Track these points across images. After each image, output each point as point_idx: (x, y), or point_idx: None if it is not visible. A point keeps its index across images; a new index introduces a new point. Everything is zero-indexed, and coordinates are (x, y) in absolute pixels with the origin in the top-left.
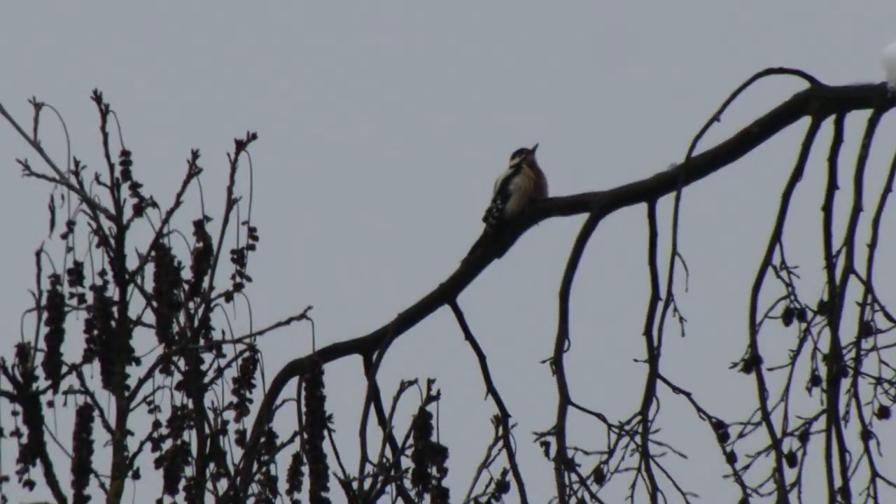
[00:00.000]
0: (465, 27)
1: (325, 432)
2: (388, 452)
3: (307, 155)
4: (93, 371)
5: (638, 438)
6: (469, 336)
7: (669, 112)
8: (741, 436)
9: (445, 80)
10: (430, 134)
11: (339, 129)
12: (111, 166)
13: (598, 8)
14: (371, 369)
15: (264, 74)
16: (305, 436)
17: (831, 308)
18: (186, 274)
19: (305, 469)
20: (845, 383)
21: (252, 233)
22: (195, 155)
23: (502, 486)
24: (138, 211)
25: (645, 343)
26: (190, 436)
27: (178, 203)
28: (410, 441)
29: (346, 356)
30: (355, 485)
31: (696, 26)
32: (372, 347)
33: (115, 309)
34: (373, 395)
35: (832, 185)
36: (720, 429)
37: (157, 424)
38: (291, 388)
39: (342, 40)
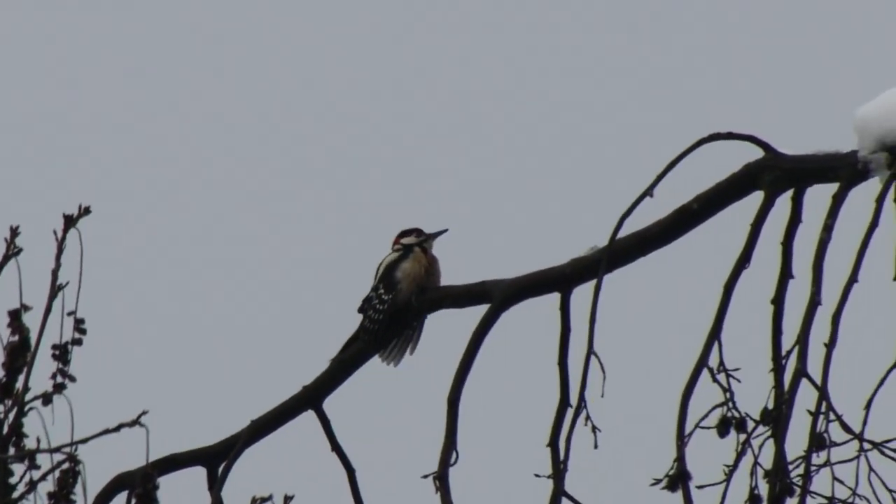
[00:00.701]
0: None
1: None
2: None
3: (147, 229)
4: None
5: None
6: (336, 446)
7: (592, 185)
8: None
9: (318, 134)
10: (298, 202)
11: (185, 195)
12: None
13: (519, 57)
14: (216, 484)
15: (96, 138)
16: None
17: (777, 417)
18: None
19: None
20: None
21: (79, 325)
22: (14, 232)
23: None
24: None
25: (550, 455)
26: None
27: None
28: None
29: (186, 468)
30: None
31: (629, 83)
32: (218, 459)
33: None
34: None
35: (786, 274)
36: None
37: None
38: None
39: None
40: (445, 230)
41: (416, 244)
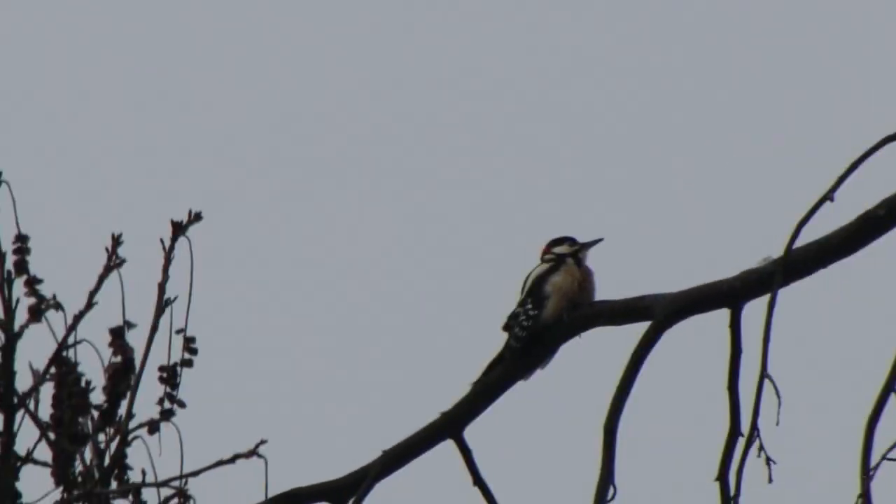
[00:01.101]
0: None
1: None
2: None
3: (262, 238)
4: None
5: None
6: (478, 480)
7: (765, 189)
8: None
9: (454, 138)
10: (429, 209)
11: (304, 206)
12: (1, 255)
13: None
14: None
15: (212, 139)
16: None
17: None
18: (97, 397)
19: None
20: None
21: (189, 344)
22: (116, 241)
23: None
24: (35, 314)
25: (719, 491)
26: None
27: (90, 304)
28: None
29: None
30: None
31: (805, 72)
32: (346, 493)
33: None
34: None
35: None
36: None
37: None
38: None
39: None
40: (601, 239)
41: (568, 255)
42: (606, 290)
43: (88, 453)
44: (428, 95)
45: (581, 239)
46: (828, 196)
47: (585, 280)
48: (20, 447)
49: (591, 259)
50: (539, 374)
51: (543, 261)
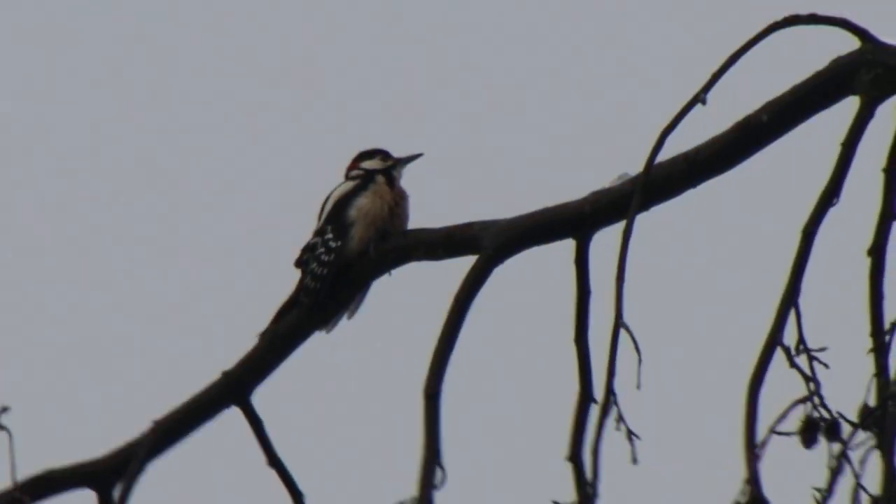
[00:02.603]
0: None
1: None
2: None
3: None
4: None
5: None
6: (274, 459)
7: (619, 91)
8: None
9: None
10: (213, 115)
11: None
12: None
13: None
14: None
15: None
16: None
17: (882, 417)
18: None
19: None
20: None
21: None
22: None
23: None
24: None
25: (571, 472)
26: None
27: None
28: None
29: (68, 491)
30: None
31: None
32: (111, 476)
33: None
34: None
35: (889, 214)
36: None
37: None
38: None
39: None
40: (420, 154)
41: (379, 171)
42: (425, 216)
43: None
44: None
45: (397, 154)
46: (699, 97)
47: (398, 203)
48: None
49: (407, 179)
50: (344, 324)
51: (348, 178)
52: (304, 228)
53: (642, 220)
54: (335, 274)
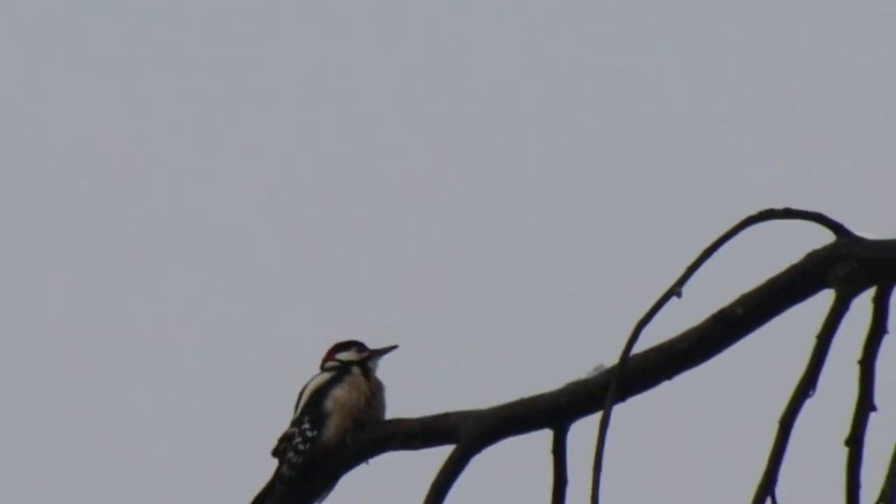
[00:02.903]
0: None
1: None
2: None
3: None
4: None
5: None
6: None
7: (598, 283)
8: None
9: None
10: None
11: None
12: None
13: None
14: None
15: None
16: None
17: None
18: None
19: None
20: None
21: None
22: None
23: None
24: None
25: None
26: None
27: None
28: None
29: None
30: None
31: (653, 149)
32: None
33: None
34: None
35: (865, 405)
36: None
37: None
38: None
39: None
40: (395, 346)
41: (356, 362)
42: (401, 406)
43: None
44: None
45: (372, 345)
46: (674, 290)
47: (374, 395)
48: None
49: (383, 370)
50: None
51: (324, 369)
52: (279, 419)
53: (618, 408)
54: (311, 463)
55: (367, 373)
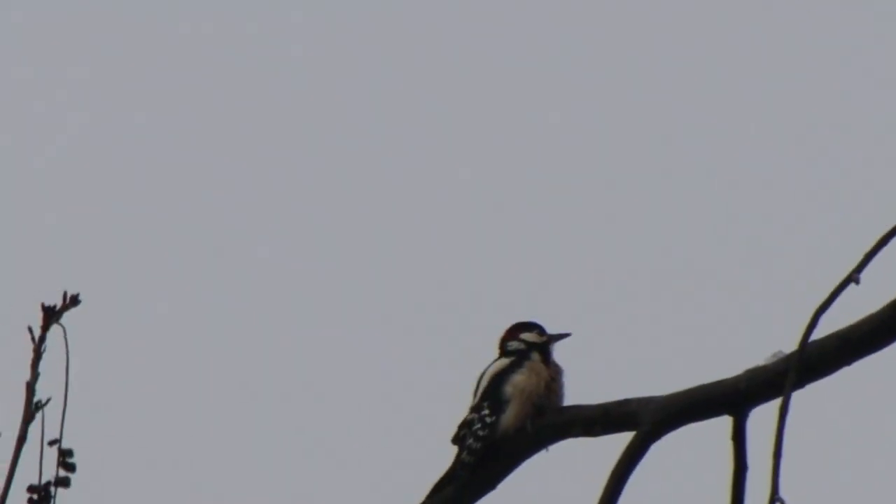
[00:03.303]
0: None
1: None
2: None
3: (157, 330)
4: None
5: None
6: None
7: (775, 270)
8: None
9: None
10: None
11: (200, 293)
12: None
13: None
14: None
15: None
16: None
17: None
18: None
19: None
20: None
21: (65, 458)
22: None
23: None
24: None
25: None
26: None
27: None
28: None
29: None
30: None
31: (825, 130)
32: None
33: None
34: None
35: None
36: None
37: None
38: None
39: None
40: (568, 334)
41: (538, 345)
42: (581, 392)
43: None
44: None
45: (550, 330)
46: (852, 277)
47: (554, 380)
48: None
49: (560, 354)
50: (492, 496)
51: (503, 353)
52: (459, 405)
53: (798, 396)
54: (491, 449)
55: (547, 358)
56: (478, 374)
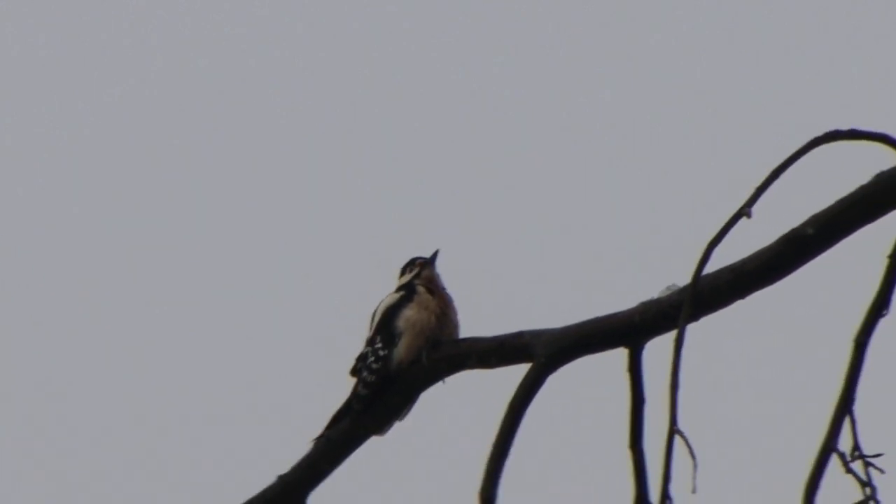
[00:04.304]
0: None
1: None
2: None
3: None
4: None
5: None
6: None
7: (668, 202)
8: None
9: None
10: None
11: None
12: None
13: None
14: None
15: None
16: None
17: None
18: None
19: None
20: None
21: None
22: None
23: None
24: None
25: None
26: None
27: None
28: None
29: None
30: None
31: (717, 65)
32: None
33: None
34: None
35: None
36: None
37: None
38: None
39: None
40: (435, 252)
41: (417, 279)
42: (476, 324)
43: None
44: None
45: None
46: (743, 211)
47: (444, 311)
48: None
49: (454, 285)
50: (397, 428)
51: (397, 289)
52: (357, 337)
53: (693, 328)
54: (385, 381)
55: (433, 290)
56: (372, 309)
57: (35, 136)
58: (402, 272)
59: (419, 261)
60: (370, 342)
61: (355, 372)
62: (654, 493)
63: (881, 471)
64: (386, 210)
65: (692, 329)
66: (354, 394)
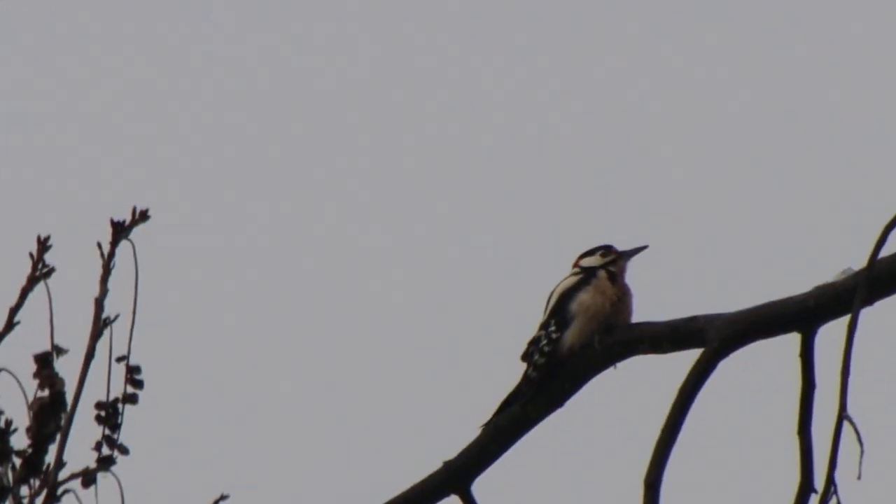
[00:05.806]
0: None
1: None
2: None
3: (229, 249)
4: None
5: None
6: None
7: (843, 187)
8: None
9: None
10: (431, 209)
11: (277, 214)
12: None
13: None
14: None
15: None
16: None
17: None
18: (19, 440)
19: None
20: None
21: (132, 375)
22: (42, 246)
23: None
24: None
25: None
26: None
27: (10, 324)
28: None
29: None
30: None
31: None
32: None
33: None
34: None
35: None
36: None
37: None
38: None
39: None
40: (644, 247)
41: (600, 266)
42: (649, 309)
43: None
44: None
45: (621, 248)
46: None
47: (621, 299)
48: None
49: (633, 272)
50: (559, 413)
51: (572, 273)
52: (531, 322)
53: (867, 312)
54: (555, 365)
55: (613, 277)
56: (548, 292)
57: (35, 136)
58: (591, 253)
59: (612, 250)
60: (544, 326)
61: (526, 356)
62: (820, 478)
63: None
64: (560, 199)
65: (866, 314)
66: (524, 378)
